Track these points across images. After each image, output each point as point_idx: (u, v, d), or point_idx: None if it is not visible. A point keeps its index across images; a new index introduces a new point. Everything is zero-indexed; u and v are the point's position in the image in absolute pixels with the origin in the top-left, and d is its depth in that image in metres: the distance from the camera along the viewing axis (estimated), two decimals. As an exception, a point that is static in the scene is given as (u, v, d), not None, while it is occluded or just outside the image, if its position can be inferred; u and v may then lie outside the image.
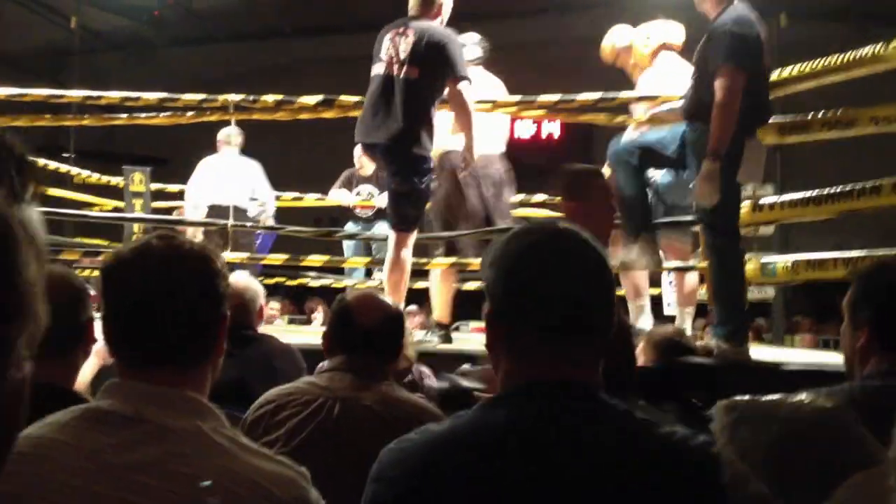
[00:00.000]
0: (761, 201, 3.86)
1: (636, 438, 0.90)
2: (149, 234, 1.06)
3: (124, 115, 4.85)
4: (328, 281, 5.80)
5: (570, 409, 0.91)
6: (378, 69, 3.44)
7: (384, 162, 3.49)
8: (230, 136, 5.33)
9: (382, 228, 5.76)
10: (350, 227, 5.85)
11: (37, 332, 0.50)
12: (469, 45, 4.06)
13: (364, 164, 5.65)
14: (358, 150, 5.53)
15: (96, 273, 4.98)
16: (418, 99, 3.35)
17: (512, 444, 0.89)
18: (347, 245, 5.78)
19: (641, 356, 2.49)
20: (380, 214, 5.77)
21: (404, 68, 3.36)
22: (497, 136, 4.02)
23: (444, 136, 3.90)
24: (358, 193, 5.72)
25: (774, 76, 3.70)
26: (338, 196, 5.69)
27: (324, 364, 1.86)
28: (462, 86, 3.37)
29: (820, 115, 3.64)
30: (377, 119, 3.40)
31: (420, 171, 3.39)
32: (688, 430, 0.94)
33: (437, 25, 3.46)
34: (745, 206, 3.78)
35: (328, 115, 4.30)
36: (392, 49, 3.40)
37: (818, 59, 3.58)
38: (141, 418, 0.95)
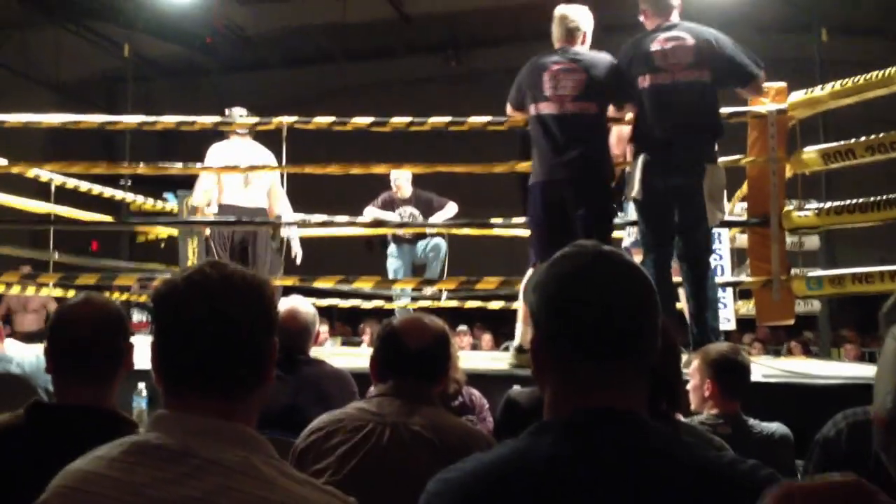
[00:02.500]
0: (807, 207, 3.87)
1: (683, 465, 0.88)
2: (201, 262, 1.06)
3: (179, 165, 5.00)
4: (380, 303, 5.83)
5: (616, 438, 0.90)
6: (547, 108, 3.44)
7: (573, 196, 3.40)
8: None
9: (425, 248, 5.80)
10: (393, 249, 5.88)
11: None
12: (238, 118, 4.63)
13: (402, 186, 5.76)
14: (395, 173, 5.64)
15: (134, 298, 5.10)
16: (599, 132, 3.46)
17: (558, 475, 0.88)
18: (393, 268, 5.81)
19: (697, 374, 2.43)
20: (420, 235, 5.80)
21: (579, 104, 3.40)
22: (260, 193, 4.67)
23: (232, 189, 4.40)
24: (400, 216, 5.76)
25: (816, 93, 3.71)
26: (381, 215, 5.73)
27: (373, 389, 1.85)
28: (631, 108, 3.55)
29: (863, 139, 3.65)
30: (562, 156, 3.40)
31: (612, 200, 3.50)
32: (736, 455, 0.93)
33: (599, 56, 3.50)
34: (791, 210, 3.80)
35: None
36: (557, 86, 3.43)
37: (858, 76, 3.60)
38: (189, 452, 0.94)
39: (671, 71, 3.31)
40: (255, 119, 4.49)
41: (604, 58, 3.48)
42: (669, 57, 3.32)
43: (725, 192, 3.46)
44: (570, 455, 0.89)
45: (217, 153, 4.69)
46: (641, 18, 3.53)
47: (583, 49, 3.51)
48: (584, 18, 3.55)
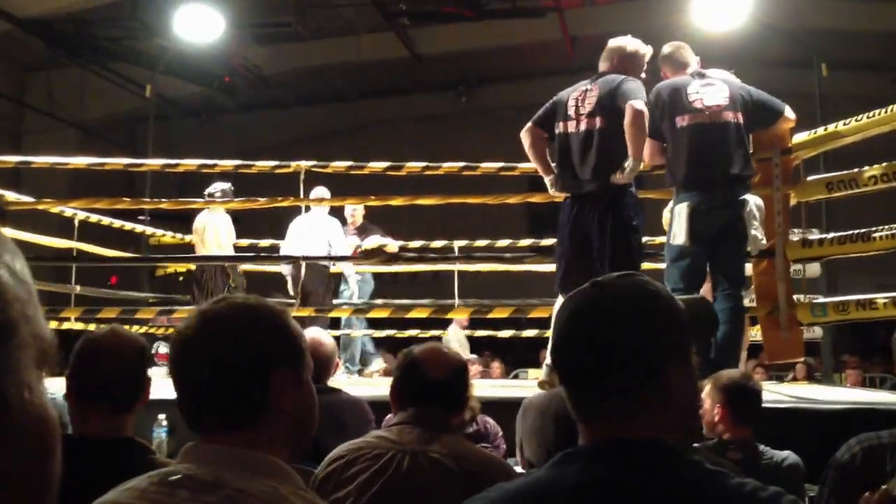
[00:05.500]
0: (810, 237, 3.93)
1: (707, 493, 0.89)
2: (224, 295, 1.11)
3: (199, 201, 5.23)
4: (392, 332, 5.88)
5: (639, 466, 0.91)
6: (566, 127, 3.46)
7: (594, 212, 3.36)
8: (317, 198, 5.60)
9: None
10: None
11: (40, 354, 0.48)
12: (216, 191, 5.35)
13: (350, 215, 5.88)
14: (349, 207, 5.68)
15: (171, 330, 5.22)
16: (610, 144, 3.33)
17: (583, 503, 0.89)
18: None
19: (708, 400, 2.46)
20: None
21: (591, 121, 3.38)
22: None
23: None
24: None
25: (820, 131, 3.82)
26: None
27: (391, 417, 1.88)
28: (636, 105, 3.29)
29: (865, 168, 3.73)
30: (576, 172, 3.40)
31: (632, 217, 3.36)
32: (757, 481, 0.93)
33: (618, 76, 3.43)
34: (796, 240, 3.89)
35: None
36: (578, 106, 3.44)
37: (861, 115, 3.71)
38: (220, 482, 0.93)
39: (710, 112, 3.44)
40: (274, 162, 4.62)
41: (621, 78, 3.41)
42: (707, 99, 3.47)
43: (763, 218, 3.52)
44: (594, 483, 0.89)
45: (226, 223, 5.58)
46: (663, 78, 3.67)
47: (612, 73, 3.48)
48: (615, 48, 3.55)
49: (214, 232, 5.53)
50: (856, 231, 3.73)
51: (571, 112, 3.46)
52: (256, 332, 1.04)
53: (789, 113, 3.65)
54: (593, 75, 3.53)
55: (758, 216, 3.44)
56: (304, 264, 5.25)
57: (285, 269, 5.58)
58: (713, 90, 3.51)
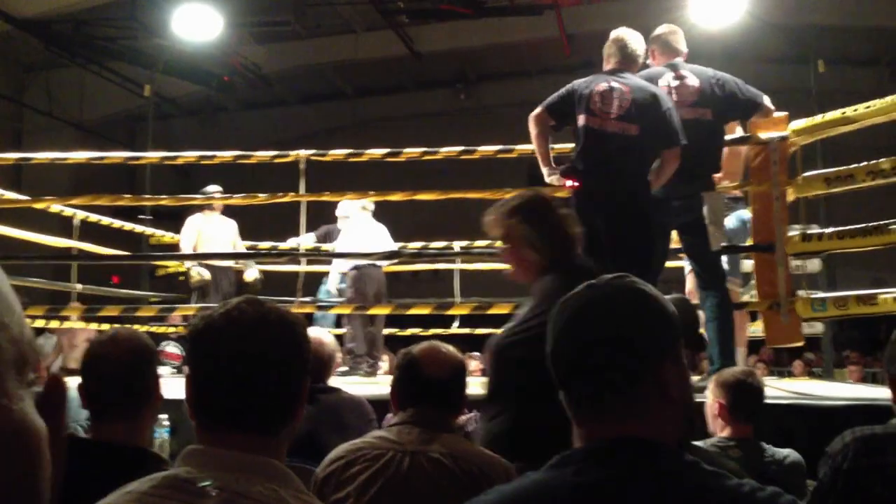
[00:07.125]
0: (809, 232, 3.95)
1: (703, 493, 0.89)
2: (238, 299, 1.07)
3: (199, 197, 5.29)
4: (393, 330, 5.88)
5: (637, 466, 0.91)
6: (591, 122, 3.32)
7: (604, 211, 3.26)
8: (348, 210, 5.57)
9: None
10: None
11: (20, 359, 0.47)
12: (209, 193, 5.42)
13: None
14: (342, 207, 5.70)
15: (172, 329, 5.21)
16: (642, 154, 3.30)
17: None
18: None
19: (710, 396, 2.46)
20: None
21: (622, 125, 3.28)
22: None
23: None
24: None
25: (817, 120, 3.81)
26: (303, 241, 5.74)
27: (391, 416, 1.89)
28: (678, 153, 3.31)
29: (863, 164, 3.74)
30: (603, 170, 3.30)
31: (650, 220, 3.28)
32: (755, 482, 0.93)
33: (650, 85, 3.38)
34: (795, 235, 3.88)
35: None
36: (603, 103, 3.30)
37: (858, 105, 3.73)
38: (220, 486, 0.94)
39: (679, 105, 3.39)
40: (273, 153, 4.61)
41: (660, 93, 3.36)
42: (674, 95, 3.44)
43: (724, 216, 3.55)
44: (593, 485, 0.89)
45: (192, 224, 5.73)
46: (649, 60, 3.61)
47: (633, 74, 3.40)
48: (618, 42, 3.46)
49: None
50: (856, 225, 3.75)
51: (595, 108, 3.31)
52: (304, 338, 1.05)
53: (767, 102, 3.62)
54: (600, 69, 3.45)
55: (711, 219, 3.44)
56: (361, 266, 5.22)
57: (341, 268, 5.48)
58: (684, 84, 3.48)
